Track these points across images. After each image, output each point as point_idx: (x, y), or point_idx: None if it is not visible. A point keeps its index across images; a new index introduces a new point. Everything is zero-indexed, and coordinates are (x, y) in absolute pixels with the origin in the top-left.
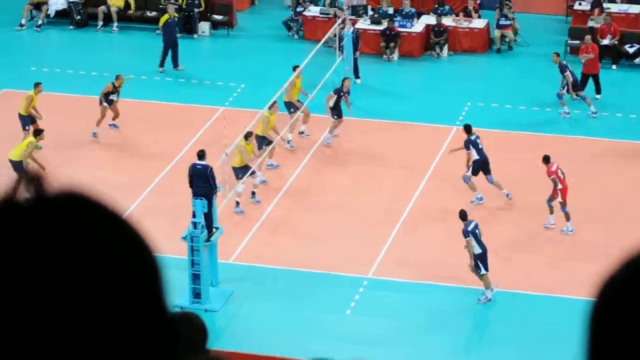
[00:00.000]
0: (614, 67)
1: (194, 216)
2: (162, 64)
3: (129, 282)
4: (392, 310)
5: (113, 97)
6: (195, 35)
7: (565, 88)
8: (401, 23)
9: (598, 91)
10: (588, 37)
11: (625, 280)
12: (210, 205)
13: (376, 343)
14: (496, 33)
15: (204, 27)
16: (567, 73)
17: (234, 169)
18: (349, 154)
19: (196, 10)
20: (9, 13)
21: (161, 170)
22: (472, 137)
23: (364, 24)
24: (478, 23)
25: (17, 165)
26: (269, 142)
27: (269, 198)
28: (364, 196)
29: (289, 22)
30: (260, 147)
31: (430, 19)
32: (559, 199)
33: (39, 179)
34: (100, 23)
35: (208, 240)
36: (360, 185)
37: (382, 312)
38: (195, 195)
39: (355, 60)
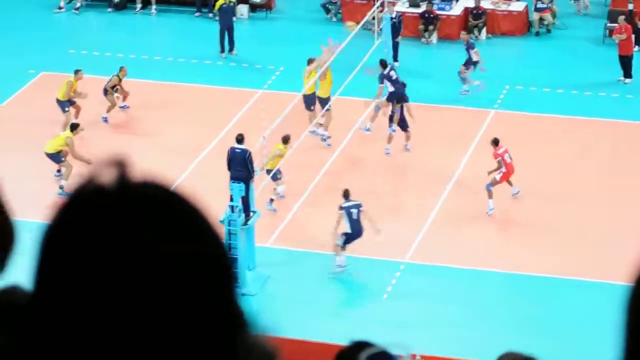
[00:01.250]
0: None
1: (231, 200)
2: (222, 49)
3: (205, 280)
4: (428, 295)
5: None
6: (233, 18)
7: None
8: (440, 6)
9: (628, 74)
10: (622, 17)
11: None
12: (247, 189)
13: (413, 327)
14: (535, 16)
15: (242, 9)
16: (473, 51)
17: (267, 171)
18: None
19: None
20: None
21: (200, 153)
22: (386, 72)
23: (402, 6)
24: (516, 6)
25: (55, 157)
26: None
27: (305, 182)
28: (402, 179)
29: (327, 5)
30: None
31: (468, 2)
32: (496, 176)
33: (122, 164)
34: (139, 6)
35: (245, 223)
36: (399, 167)
37: (419, 297)
38: (233, 178)
39: (396, 44)
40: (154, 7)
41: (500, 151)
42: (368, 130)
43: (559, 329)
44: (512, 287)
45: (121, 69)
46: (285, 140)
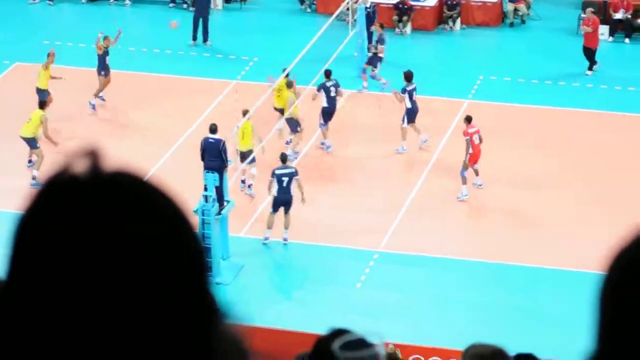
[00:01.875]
0: (627, 40)
1: (205, 189)
2: (194, 37)
3: (178, 268)
4: (402, 284)
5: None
6: (209, 9)
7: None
8: None
9: (590, 67)
10: (589, 9)
11: (636, 254)
12: (221, 178)
13: (386, 316)
14: (509, 7)
15: (217, 0)
16: (382, 46)
17: (242, 153)
18: (362, 126)
19: None
20: None
21: (173, 143)
22: (328, 83)
23: None
24: None
25: (30, 142)
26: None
27: None
28: (375, 168)
29: None
30: (295, 130)
31: None
32: (465, 159)
33: (95, 154)
34: None
35: (219, 213)
36: (372, 157)
37: (393, 286)
38: (207, 168)
39: (370, 34)
40: None
41: (470, 130)
42: (329, 147)
43: (533, 319)
44: (486, 275)
45: (105, 38)
46: (244, 113)
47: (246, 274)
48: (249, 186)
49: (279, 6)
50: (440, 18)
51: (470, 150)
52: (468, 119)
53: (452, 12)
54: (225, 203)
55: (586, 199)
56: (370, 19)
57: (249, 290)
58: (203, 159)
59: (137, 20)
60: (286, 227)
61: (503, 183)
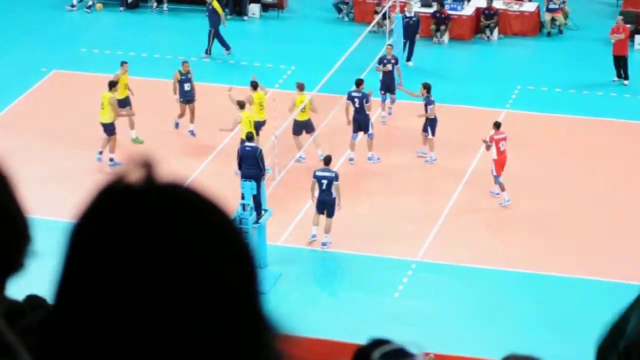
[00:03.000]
0: None
1: (242, 198)
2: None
3: (230, 279)
4: (439, 294)
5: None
6: (245, 17)
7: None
8: (452, 6)
9: (625, 76)
10: (620, 17)
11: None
12: (259, 187)
13: (425, 325)
14: (546, 16)
15: (254, 9)
16: (398, 66)
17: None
18: (399, 136)
19: None
20: None
21: (211, 152)
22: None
23: (414, 6)
24: (528, 6)
25: (107, 127)
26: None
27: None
28: (414, 177)
29: (339, 5)
30: (299, 133)
31: (480, 2)
32: (493, 168)
33: (150, 165)
34: (155, 4)
35: (257, 222)
36: (410, 166)
37: (430, 295)
38: (244, 177)
39: (413, 44)
40: (165, 5)
41: (497, 137)
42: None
43: (573, 329)
44: (525, 285)
45: (183, 63)
46: (242, 105)
47: (284, 283)
48: None
49: (316, 15)
50: (478, 27)
51: (495, 157)
52: (497, 125)
53: (489, 22)
54: (262, 212)
55: (624, 209)
56: (414, 28)
57: (287, 299)
58: (240, 167)
59: (174, 28)
60: (327, 232)
61: (543, 193)
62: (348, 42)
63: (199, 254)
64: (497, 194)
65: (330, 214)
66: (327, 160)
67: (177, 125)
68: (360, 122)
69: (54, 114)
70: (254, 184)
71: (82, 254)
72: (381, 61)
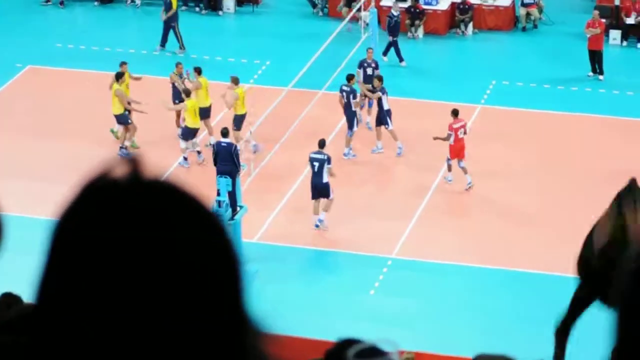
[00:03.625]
0: (639, 45)
1: (218, 194)
2: (181, 45)
3: (211, 277)
4: (416, 291)
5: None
6: (220, 12)
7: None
8: (426, 1)
9: (600, 71)
10: (596, 12)
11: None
12: (234, 183)
13: (400, 324)
14: (521, 11)
15: (228, 4)
16: (378, 71)
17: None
18: (374, 132)
19: None
20: None
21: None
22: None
23: (389, 1)
24: (503, 1)
25: (122, 118)
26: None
27: (293, 177)
28: (387, 174)
29: None
30: (239, 127)
31: None
32: (448, 154)
33: (135, 161)
34: None
35: (232, 218)
36: (384, 163)
37: (406, 293)
38: (220, 173)
39: (395, 42)
40: (139, 1)
41: (456, 125)
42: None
43: (547, 327)
44: (500, 282)
45: (177, 65)
46: (187, 93)
47: (259, 280)
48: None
49: (291, 9)
50: (453, 22)
51: (452, 142)
52: (455, 113)
53: (464, 16)
54: (238, 208)
55: (600, 204)
56: (397, 27)
57: (262, 297)
58: (215, 163)
59: (149, 22)
60: (325, 210)
61: (518, 189)
62: (323, 37)
63: (184, 250)
64: (450, 180)
65: (327, 196)
66: (321, 143)
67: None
68: (346, 118)
69: (29, 110)
70: (229, 180)
71: (66, 250)
72: (361, 65)
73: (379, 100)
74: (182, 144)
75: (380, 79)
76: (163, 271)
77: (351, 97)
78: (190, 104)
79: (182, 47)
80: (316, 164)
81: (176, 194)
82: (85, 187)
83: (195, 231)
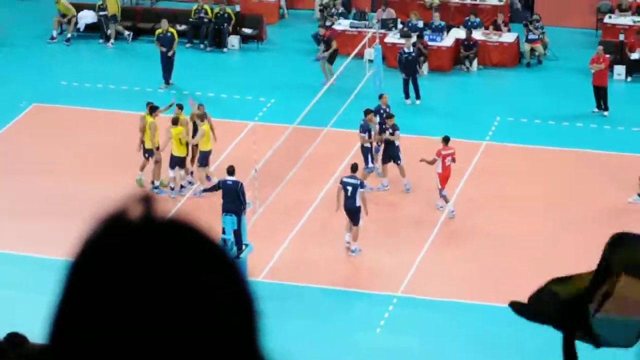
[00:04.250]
0: None
1: (223, 232)
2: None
3: (227, 319)
4: (422, 329)
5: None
6: (224, 49)
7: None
8: (431, 37)
9: (605, 107)
10: (600, 47)
11: None
12: (239, 221)
13: None
14: (526, 47)
15: (233, 41)
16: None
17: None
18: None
19: (226, 24)
20: (42, 25)
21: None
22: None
23: (393, 37)
24: (508, 37)
25: (149, 153)
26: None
27: (298, 214)
28: (393, 210)
29: (318, 36)
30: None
31: (460, 33)
32: (438, 183)
33: (149, 200)
34: (131, 36)
35: (237, 257)
36: (388, 199)
37: (413, 331)
38: (225, 211)
39: (415, 79)
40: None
41: (445, 152)
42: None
43: None
44: (508, 320)
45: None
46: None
47: (265, 319)
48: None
49: (295, 46)
50: (457, 58)
51: (439, 171)
52: (445, 140)
53: (468, 53)
54: (243, 247)
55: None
56: (412, 64)
57: (268, 336)
58: (208, 191)
59: (154, 60)
60: (354, 239)
61: (524, 226)
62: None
63: (200, 291)
64: (441, 207)
65: (355, 222)
66: (354, 168)
67: (208, 177)
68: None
69: (34, 148)
70: (234, 218)
71: (80, 296)
72: (377, 111)
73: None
74: (170, 173)
75: (391, 116)
76: (179, 318)
77: (366, 134)
78: (176, 132)
79: (168, 82)
80: (349, 188)
81: (190, 236)
82: (99, 229)
83: (210, 273)
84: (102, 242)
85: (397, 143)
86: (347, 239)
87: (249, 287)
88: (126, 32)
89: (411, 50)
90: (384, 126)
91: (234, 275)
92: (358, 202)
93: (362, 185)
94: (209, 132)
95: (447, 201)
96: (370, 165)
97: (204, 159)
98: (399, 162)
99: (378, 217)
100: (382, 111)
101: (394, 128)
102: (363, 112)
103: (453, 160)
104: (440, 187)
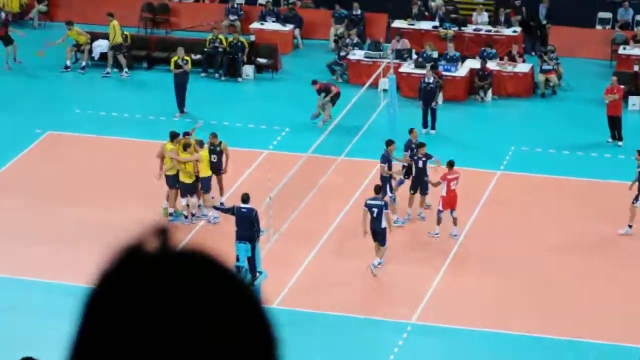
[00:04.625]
0: None
1: (237, 260)
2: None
3: (248, 349)
4: (436, 357)
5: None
6: (239, 79)
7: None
8: (445, 67)
9: (619, 137)
10: (614, 78)
11: None
12: (253, 249)
13: None
14: (540, 77)
15: (248, 70)
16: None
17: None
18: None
19: (240, 53)
20: (56, 54)
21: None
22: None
23: (408, 67)
24: (522, 67)
25: (170, 180)
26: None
27: (312, 242)
28: (407, 238)
29: (333, 66)
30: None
31: (474, 63)
32: (440, 206)
33: (165, 232)
34: (146, 65)
35: (251, 284)
36: (404, 228)
37: (427, 359)
38: (239, 238)
39: (434, 111)
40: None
41: (450, 176)
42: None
43: None
44: (521, 349)
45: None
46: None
47: (283, 346)
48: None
49: (310, 76)
50: (472, 88)
51: (444, 194)
52: (450, 164)
53: (483, 83)
54: (257, 274)
55: (620, 273)
56: (431, 95)
57: None
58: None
59: (168, 89)
60: (380, 257)
61: (538, 254)
62: (342, 103)
63: (218, 326)
64: (456, 235)
65: (382, 243)
66: (377, 190)
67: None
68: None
69: (48, 176)
70: (248, 245)
71: (98, 331)
72: (408, 147)
73: (420, 166)
74: (183, 202)
75: (422, 145)
76: (197, 352)
77: (387, 165)
78: (183, 158)
79: (182, 111)
80: (375, 209)
81: (207, 269)
82: (116, 263)
83: (231, 306)
84: (119, 277)
85: (427, 177)
86: (376, 263)
87: (268, 316)
88: (125, 70)
89: (431, 80)
90: (416, 157)
91: (252, 306)
92: (384, 224)
93: (386, 207)
94: (207, 159)
95: (438, 223)
96: (390, 194)
97: (206, 185)
98: (427, 191)
99: (392, 244)
100: (413, 145)
101: (427, 157)
102: (385, 142)
103: (456, 184)
104: (440, 208)
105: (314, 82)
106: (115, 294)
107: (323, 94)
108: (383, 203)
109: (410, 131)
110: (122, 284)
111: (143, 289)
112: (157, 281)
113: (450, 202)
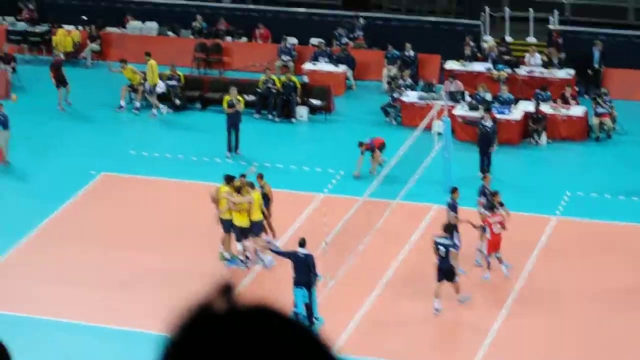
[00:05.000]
0: None
1: (294, 306)
2: (229, 148)
3: None
4: None
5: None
6: (293, 120)
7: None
8: (499, 109)
9: None
10: None
11: None
12: (310, 294)
13: None
14: (594, 121)
15: (301, 112)
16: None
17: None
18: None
19: (293, 94)
20: (111, 94)
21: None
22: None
23: (461, 110)
24: (576, 110)
25: (225, 224)
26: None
27: (369, 287)
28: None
29: (386, 108)
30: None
31: (527, 106)
32: (483, 248)
33: (230, 289)
34: (199, 105)
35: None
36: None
37: None
38: (296, 284)
39: (489, 155)
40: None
41: (491, 219)
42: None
43: None
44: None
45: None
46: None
47: None
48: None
49: (363, 118)
50: (526, 132)
51: (488, 236)
52: (491, 207)
53: (537, 126)
54: (314, 320)
55: None
56: (489, 138)
57: None
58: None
59: (222, 130)
60: (456, 292)
61: (594, 301)
62: (396, 145)
63: None
64: (487, 277)
65: (451, 280)
66: (446, 228)
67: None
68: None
69: (103, 218)
70: (305, 291)
71: None
72: (482, 192)
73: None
74: (239, 246)
75: (496, 194)
76: None
77: (450, 211)
78: (224, 203)
79: (234, 150)
80: (442, 248)
81: (275, 325)
82: (186, 326)
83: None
84: (190, 343)
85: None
86: (436, 305)
87: None
88: (161, 106)
89: (489, 124)
90: (492, 204)
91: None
92: (451, 262)
93: (454, 246)
94: (259, 201)
95: (488, 267)
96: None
97: (257, 229)
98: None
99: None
100: (486, 191)
101: (501, 204)
102: (449, 190)
103: (502, 227)
104: (486, 252)
105: (360, 144)
106: (183, 353)
107: (368, 153)
108: (452, 242)
109: (484, 177)
110: (190, 344)
111: (213, 354)
112: (228, 344)
113: (495, 245)
